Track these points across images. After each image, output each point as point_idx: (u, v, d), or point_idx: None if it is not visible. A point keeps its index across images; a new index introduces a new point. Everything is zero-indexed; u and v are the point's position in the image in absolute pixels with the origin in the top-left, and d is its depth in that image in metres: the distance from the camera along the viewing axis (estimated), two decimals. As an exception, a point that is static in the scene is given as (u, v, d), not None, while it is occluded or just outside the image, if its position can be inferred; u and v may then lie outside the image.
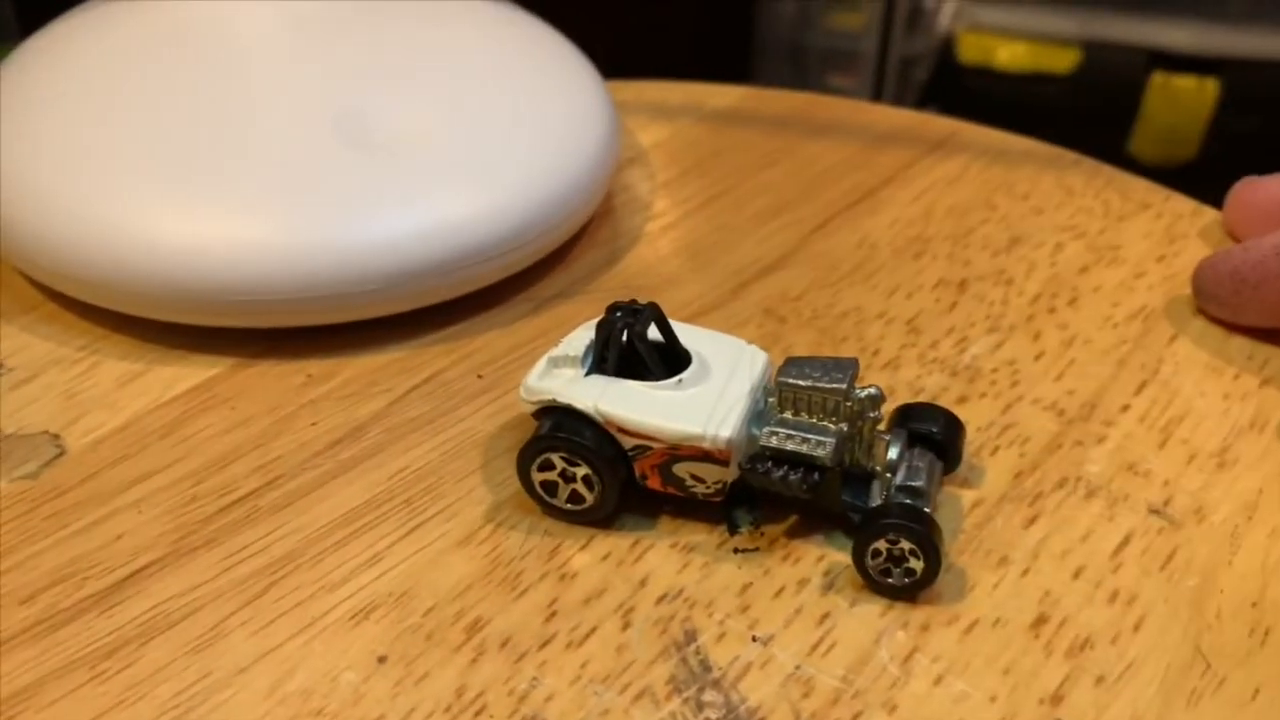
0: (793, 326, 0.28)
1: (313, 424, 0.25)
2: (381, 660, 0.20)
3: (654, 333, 0.23)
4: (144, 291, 0.26)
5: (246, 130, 0.27)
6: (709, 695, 0.19)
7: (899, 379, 0.26)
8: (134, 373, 0.26)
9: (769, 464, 0.21)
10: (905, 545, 0.20)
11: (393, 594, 0.21)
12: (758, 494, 0.22)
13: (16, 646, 0.20)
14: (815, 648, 0.20)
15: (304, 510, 0.23)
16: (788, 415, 0.21)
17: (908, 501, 0.21)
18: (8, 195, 0.27)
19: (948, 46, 1.13)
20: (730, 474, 0.21)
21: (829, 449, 0.21)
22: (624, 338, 0.22)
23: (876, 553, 0.21)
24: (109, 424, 0.25)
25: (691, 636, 0.20)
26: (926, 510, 0.21)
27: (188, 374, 0.26)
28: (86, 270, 0.26)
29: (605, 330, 0.22)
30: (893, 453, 0.22)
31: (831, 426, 0.21)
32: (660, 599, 0.21)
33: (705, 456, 0.21)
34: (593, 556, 0.22)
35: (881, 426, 0.22)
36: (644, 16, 1.02)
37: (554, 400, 0.22)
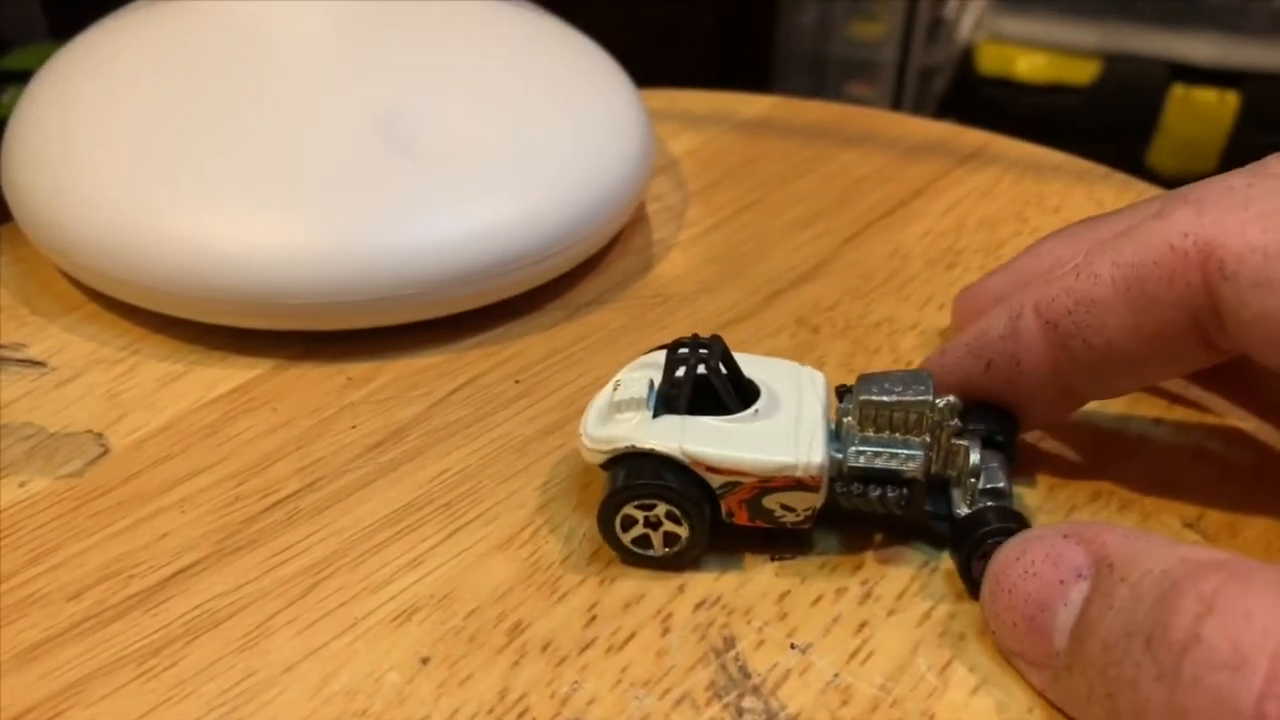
0: (826, 336, 0.28)
1: (353, 426, 0.25)
2: (425, 661, 0.20)
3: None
4: (185, 293, 0.26)
5: (288, 134, 0.28)
6: (748, 702, 0.19)
7: (933, 390, 0.26)
8: (175, 373, 0.27)
9: (860, 484, 0.21)
10: None
11: (434, 596, 0.21)
12: (845, 516, 0.22)
13: (65, 642, 0.20)
14: (854, 656, 0.20)
15: (345, 512, 0.23)
16: (869, 433, 0.21)
17: (997, 504, 0.21)
18: (51, 196, 0.27)
19: (967, 57, 1.13)
20: (819, 499, 0.21)
21: (918, 463, 0.21)
22: (699, 373, 0.22)
23: (984, 555, 0.21)
24: (151, 424, 0.25)
25: (730, 643, 0.21)
26: (1017, 510, 0.21)
27: (228, 375, 0.27)
28: (128, 271, 0.27)
29: (674, 367, 0.22)
30: (974, 458, 0.22)
31: (915, 439, 0.21)
32: (698, 605, 0.21)
33: (798, 485, 0.21)
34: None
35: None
36: (664, 26, 1.02)
37: (632, 446, 0.21)
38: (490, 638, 0.21)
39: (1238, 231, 0.19)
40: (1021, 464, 0.24)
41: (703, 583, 0.22)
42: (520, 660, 0.20)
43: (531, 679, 0.20)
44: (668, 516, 0.21)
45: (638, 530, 0.21)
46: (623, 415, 0.21)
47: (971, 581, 0.21)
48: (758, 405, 0.22)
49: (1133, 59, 1.07)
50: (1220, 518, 0.23)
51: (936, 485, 0.22)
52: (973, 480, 0.22)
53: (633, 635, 0.21)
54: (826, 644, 0.21)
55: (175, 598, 0.21)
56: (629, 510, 0.21)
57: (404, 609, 0.21)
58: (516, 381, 0.27)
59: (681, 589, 0.22)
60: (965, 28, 1.13)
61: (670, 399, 0.22)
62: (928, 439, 0.21)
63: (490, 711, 0.19)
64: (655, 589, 0.22)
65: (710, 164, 0.36)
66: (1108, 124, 1.07)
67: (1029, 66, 1.11)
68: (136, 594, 0.21)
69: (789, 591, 0.22)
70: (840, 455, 0.21)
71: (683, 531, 0.21)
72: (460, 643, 0.20)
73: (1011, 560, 0.20)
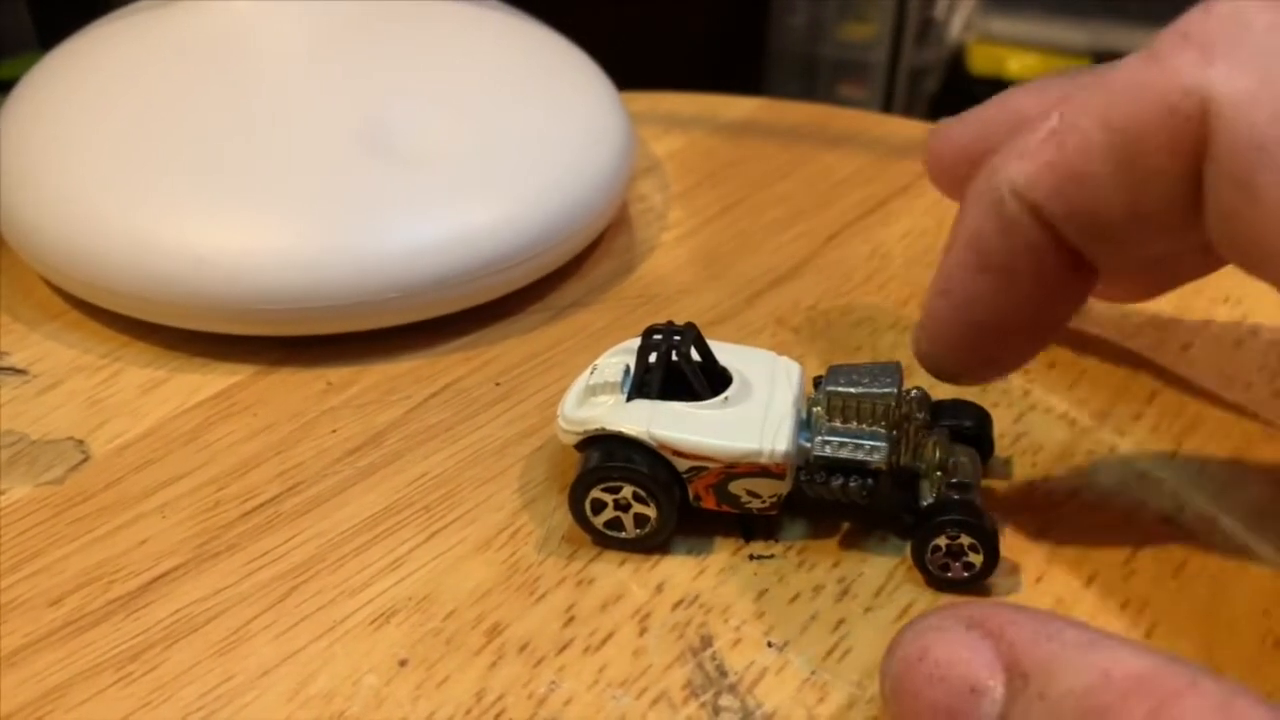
0: (806, 336, 0.28)
1: (333, 431, 0.25)
2: (402, 664, 0.20)
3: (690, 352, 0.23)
4: (166, 300, 0.26)
5: (268, 140, 0.28)
6: (725, 700, 0.20)
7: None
8: (157, 380, 0.27)
9: (824, 474, 0.21)
10: (965, 540, 0.21)
11: (413, 598, 0.21)
12: (812, 504, 0.22)
13: (44, 648, 0.20)
14: (830, 653, 0.20)
15: (325, 516, 0.23)
16: (837, 423, 0.22)
17: (961, 497, 0.21)
18: (32, 204, 0.28)
19: (958, 57, 1.13)
20: (786, 487, 0.22)
21: (882, 454, 0.21)
22: (670, 359, 0.22)
23: (936, 549, 0.21)
24: (133, 430, 0.25)
25: (708, 642, 0.21)
26: (980, 504, 0.21)
27: (210, 381, 0.27)
28: (110, 279, 0.27)
29: (646, 353, 0.22)
30: (941, 451, 0.22)
31: (882, 430, 0.21)
32: (677, 604, 0.21)
33: (762, 471, 0.21)
34: (610, 562, 0.22)
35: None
36: (656, 29, 1.02)
37: (602, 428, 0.22)
38: (468, 639, 0.21)
39: (1246, 106, 0.15)
40: (1002, 460, 0.24)
41: (681, 582, 0.22)
42: (498, 661, 0.20)
43: (509, 680, 0.20)
44: (636, 498, 0.21)
45: (608, 512, 0.22)
46: (597, 398, 0.22)
47: (926, 570, 0.21)
48: (728, 392, 0.22)
49: (1122, 57, 1.08)
50: (1197, 512, 0.23)
51: (905, 477, 0.22)
52: (939, 473, 0.22)
53: (610, 635, 0.21)
54: (803, 641, 0.21)
55: (155, 603, 0.21)
56: (599, 492, 0.22)
57: (382, 612, 0.21)
58: (497, 384, 0.27)
59: (660, 588, 0.22)
60: (955, 28, 1.13)
61: (643, 384, 0.22)
62: (894, 431, 0.21)
63: (468, 713, 0.19)
64: (634, 589, 0.22)
65: (693, 165, 0.36)
66: (1099, 123, 1.07)
67: (1020, 66, 1.12)
68: (117, 599, 0.21)
69: (766, 590, 0.22)
70: (808, 444, 0.21)
71: (651, 513, 0.22)
72: (438, 644, 0.20)
73: (914, 660, 0.17)
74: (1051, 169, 0.17)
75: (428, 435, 0.25)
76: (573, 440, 0.22)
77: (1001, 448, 0.25)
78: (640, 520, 0.22)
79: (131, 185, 0.27)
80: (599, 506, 0.22)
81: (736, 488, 0.22)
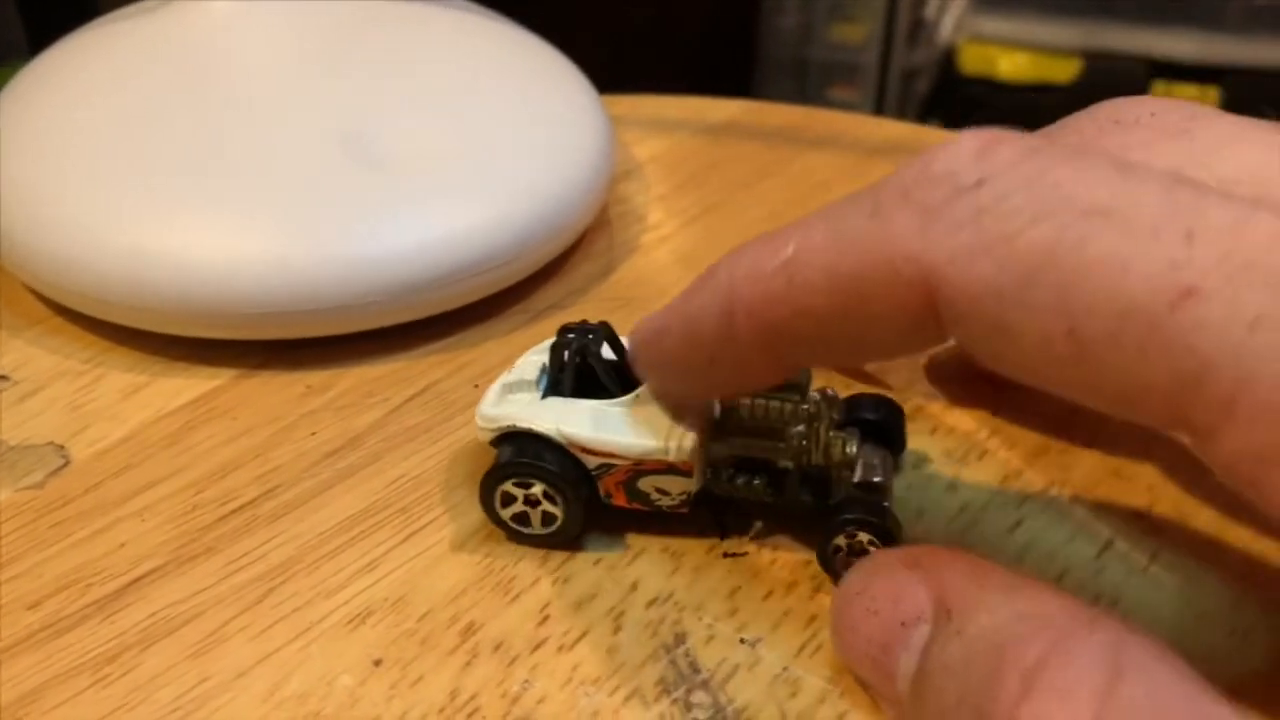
0: (784, 335, 0.28)
1: (312, 434, 0.25)
2: (377, 664, 0.20)
3: (607, 351, 0.23)
4: (147, 306, 0.27)
5: (247, 145, 0.28)
6: (697, 696, 0.20)
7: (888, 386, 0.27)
8: (138, 385, 0.27)
9: (732, 471, 0.22)
10: (863, 537, 0.21)
11: (388, 599, 0.21)
12: (723, 502, 0.22)
13: (22, 652, 0.21)
14: (803, 649, 0.21)
15: (302, 518, 0.23)
16: (745, 421, 0.22)
17: (861, 495, 0.22)
18: (13, 211, 0.28)
19: (949, 57, 1.13)
20: (694, 484, 0.22)
21: (787, 452, 0.21)
22: (579, 359, 0.22)
23: (838, 548, 0.21)
24: (113, 435, 0.25)
25: (681, 639, 0.21)
26: (885, 504, 0.21)
27: (190, 386, 0.27)
28: (91, 285, 0.27)
29: (559, 352, 0.23)
30: (850, 449, 0.22)
31: (791, 430, 0.22)
32: (650, 603, 0.21)
33: (669, 469, 0.21)
34: (584, 562, 0.22)
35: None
36: (647, 32, 1.02)
37: (513, 425, 0.22)
38: (443, 639, 0.21)
39: (966, 264, 0.16)
40: (973, 457, 0.25)
41: (655, 580, 0.22)
42: (472, 661, 0.20)
43: (482, 679, 0.20)
44: (545, 496, 0.22)
45: (517, 507, 0.22)
46: (514, 396, 0.22)
47: (833, 570, 0.22)
48: (638, 390, 0.22)
49: (1113, 56, 1.08)
50: (1169, 508, 0.23)
51: (816, 476, 0.22)
52: (846, 472, 0.22)
53: (584, 634, 0.21)
54: (776, 638, 0.21)
55: (132, 605, 0.21)
56: (508, 487, 0.22)
57: (358, 613, 0.21)
58: (475, 386, 0.27)
59: (634, 587, 0.22)
60: (946, 29, 1.13)
61: (557, 382, 0.22)
62: (802, 429, 0.22)
63: (441, 711, 0.19)
64: (609, 587, 0.22)
65: (675, 168, 0.36)
66: (1091, 122, 1.07)
67: (1011, 66, 1.12)
68: (94, 602, 0.22)
69: (740, 587, 0.22)
70: (714, 442, 0.22)
71: (558, 511, 0.22)
72: (413, 645, 0.21)
73: (853, 595, 0.19)
74: (782, 302, 0.18)
75: (406, 437, 0.25)
76: (488, 437, 0.22)
77: (975, 444, 0.25)
78: (549, 518, 0.22)
79: (113, 192, 0.27)
80: (509, 501, 0.22)
81: (645, 485, 0.22)
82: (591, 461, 0.22)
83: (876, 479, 0.22)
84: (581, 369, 0.23)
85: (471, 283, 0.28)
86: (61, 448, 0.25)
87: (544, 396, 0.22)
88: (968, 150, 0.16)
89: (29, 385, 0.27)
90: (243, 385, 0.27)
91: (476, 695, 0.20)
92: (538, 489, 0.22)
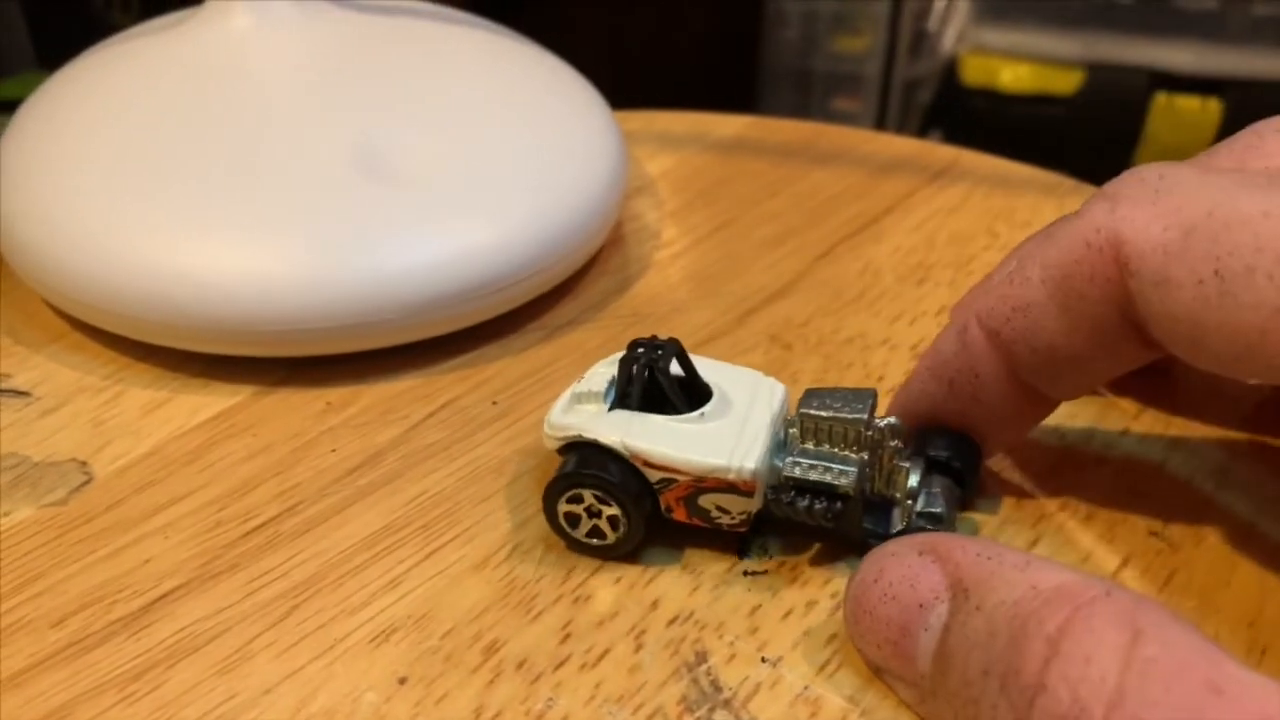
0: (798, 353, 0.29)
1: (332, 450, 0.26)
2: (402, 681, 0.20)
3: (675, 367, 0.23)
4: (168, 322, 0.27)
5: (266, 164, 0.28)
6: (719, 715, 0.20)
7: (903, 404, 0.27)
8: (158, 401, 0.27)
9: (793, 494, 0.22)
10: None
11: (412, 616, 0.22)
12: (781, 523, 0.23)
13: (48, 669, 0.21)
14: (823, 668, 0.21)
15: (324, 535, 0.23)
16: (809, 445, 0.22)
17: (927, 526, 0.22)
18: (34, 228, 0.28)
19: (951, 69, 1.14)
20: (755, 504, 0.22)
21: (850, 478, 0.21)
22: (647, 373, 0.23)
23: None
24: (135, 451, 0.26)
25: (702, 657, 0.21)
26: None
27: (210, 402, 0.27)
28: (111, 301, 0.27)
29: (628, 366, 0.23)
30: (913, 480, 0.22)
31: (853, 456, 0.22)
32: (671, 621, 0.22)
33: (730, 488, 0.22)
34: (606, 580, 0.22)
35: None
36: (650, 46, 1.03)
37: (579, 436, 0.22)
38: (466, 657, 0.21)
39: (1142, 227, 0.19)
40: (987, 476, 0.25)
41: (676, 599, 0.22)
42: (495, 679, 0.21)
43: (506, 697, 0.20)
44: (605, 505, 0.22)
45: (580, 517, 0.22)
46: (582, 406, 0.23)
47: None
48: (705, 408, 0.22)
49: (1115, 68, 1.08)
50: (1184, 525, 0.24)
51: (879, 505, 0.23)
52: (909, 502, 0.22)
53: (606, 652, 0.21)
54: (797, 656, 0.21)
55: (157, 622, 0.22)
56: (572, 496, 0.22)
57: (382, 630, 0.21)
58: (494, 403, 0.27)
59: (655, 605, 0.22)
60: (948, 40, 1.14)
61: (625, 395, 0.23)
62: (865, 457, 0.22)
63: (466, 729, 0.20)
64: (630, 605, 0.22)
65: (686, 184, 0.37)
66: (1093, 133, 1.07)
67: (1013, 77, 1.12)
68: (119, 619, 0.22)
69: (760, 605, 0.22)
70: (780, 464, 0.22)
71: (620, 521, 0.22)
72: (437, 662, 0.21)
73: (870, 582, 0.20)
74: (1005, 301, 0.21)
75: (426, 454, 0.26)
76: (554, 445, 0.23)
77: (991, 462, 0.25)
78: (610, 526, 0.22)
79: (132, 208, 0.28)
80: (572, 512, 0.22)
81: (706, 502, 0.22)
82: (654, 475, 0.22)
83: (937, 510, 0.22)
84: (650, 384, 0.23)
85: (490, 299, 0.28)
86: (84, 464, 0.25)
87: (611, 409, 0.23)
88: (1157, 164, 0.20)
89: (50, 401, 0.27)
90: (263, 402, 0.27)
91: (501, 713, 0.20)
92: (609, 505, 0.22)
